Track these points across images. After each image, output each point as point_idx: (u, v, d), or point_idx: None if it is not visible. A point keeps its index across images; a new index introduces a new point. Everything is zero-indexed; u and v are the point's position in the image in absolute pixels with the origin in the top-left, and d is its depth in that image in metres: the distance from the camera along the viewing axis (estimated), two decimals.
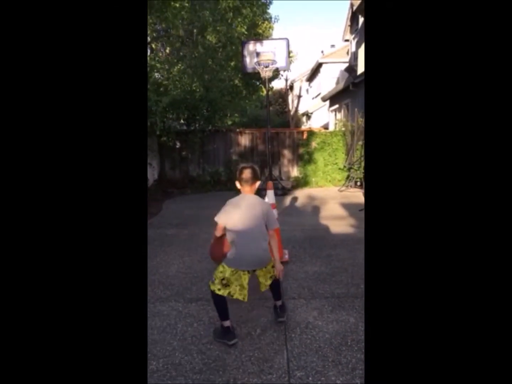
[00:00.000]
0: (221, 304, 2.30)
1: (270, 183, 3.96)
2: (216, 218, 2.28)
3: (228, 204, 2.32)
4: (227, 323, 2.29)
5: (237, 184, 2.39)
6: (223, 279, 2.25)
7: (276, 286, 2.49)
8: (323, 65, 19.37)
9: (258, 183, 2.40)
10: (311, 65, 21.54)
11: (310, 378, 1.95)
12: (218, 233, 2.31)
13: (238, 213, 2.26)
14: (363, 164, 8.82)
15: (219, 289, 2.25)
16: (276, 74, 12.77)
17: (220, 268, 2.29)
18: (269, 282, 2.40)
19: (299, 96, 23.17)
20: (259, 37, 11.74)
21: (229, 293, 2.26)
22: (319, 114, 19.43)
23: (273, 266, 2.36)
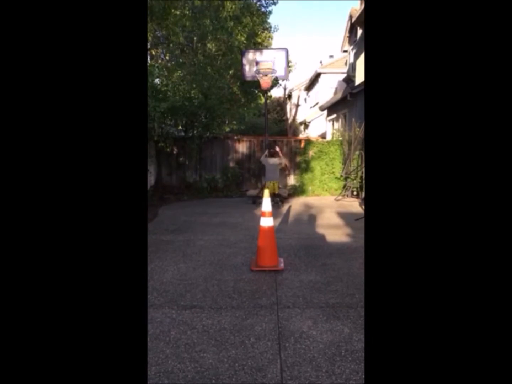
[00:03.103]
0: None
1: (266, 191, 3.96)
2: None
3: (264, 157, 7.95)
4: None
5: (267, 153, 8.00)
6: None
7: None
8: (322, 75, 19.55)
9: (276, 154, 8.08)
10: (310, 74, 21.73)
11: None
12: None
13: (268, 161, 7.82)
14: (359, 173, 8.86)
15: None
16: (275, 83, 12.85)
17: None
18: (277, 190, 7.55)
19: (297, 105, 23.30)
20: (258, 46, 11.84)
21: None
22: (316, 123, 19.55)
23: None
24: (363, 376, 2.02)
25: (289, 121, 21.63)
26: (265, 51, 8.71)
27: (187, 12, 9.99)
